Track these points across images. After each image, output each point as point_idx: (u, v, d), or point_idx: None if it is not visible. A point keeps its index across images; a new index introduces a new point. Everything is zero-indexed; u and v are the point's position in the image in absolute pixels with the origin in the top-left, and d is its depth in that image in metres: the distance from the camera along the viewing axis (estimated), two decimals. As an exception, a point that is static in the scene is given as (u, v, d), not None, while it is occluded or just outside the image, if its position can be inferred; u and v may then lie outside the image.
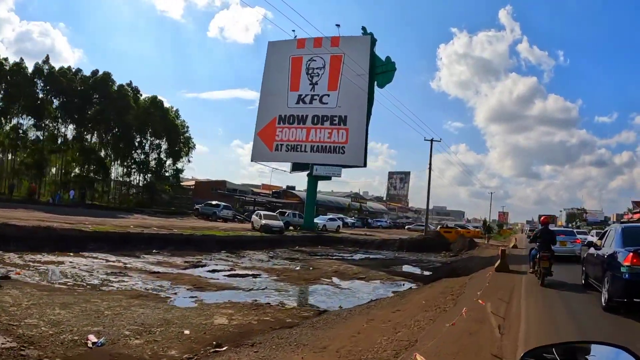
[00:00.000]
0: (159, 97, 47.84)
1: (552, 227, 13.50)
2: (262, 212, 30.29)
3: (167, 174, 50.23)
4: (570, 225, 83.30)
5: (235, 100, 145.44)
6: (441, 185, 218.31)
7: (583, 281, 10.23)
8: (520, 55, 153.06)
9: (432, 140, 34.78)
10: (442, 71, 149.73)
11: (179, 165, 50.18)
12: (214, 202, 39.14)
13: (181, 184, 64.45)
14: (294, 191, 61.77)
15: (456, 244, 29.94)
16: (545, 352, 1.78)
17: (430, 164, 35.59)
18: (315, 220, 38.56)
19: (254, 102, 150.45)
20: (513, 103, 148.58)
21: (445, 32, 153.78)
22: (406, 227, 62.57)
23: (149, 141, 47.44)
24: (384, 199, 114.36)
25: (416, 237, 31.34)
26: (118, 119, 42.53)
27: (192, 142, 53.08)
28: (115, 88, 42.94)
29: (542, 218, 12.63)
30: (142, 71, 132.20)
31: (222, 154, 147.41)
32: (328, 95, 33.04)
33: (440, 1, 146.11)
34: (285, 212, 35.30)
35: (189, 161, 55.26)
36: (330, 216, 40.87)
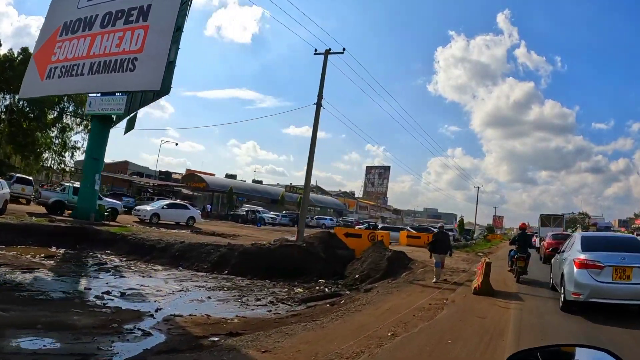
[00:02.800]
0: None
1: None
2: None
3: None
4: (570, 231, 70.96)
5: (233, 100, 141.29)
6: (437, 189, 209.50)
7: None
8: (518, 60, 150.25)
9: (327, 53, 18.94)
10: (439, 75, 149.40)
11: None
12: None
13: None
14: (202, 174, 46.57)
15: (360, 262, 14.75)
16: (530, 355, 1.77)
17: (321, 86, 18.87)
18: (145, 206, 23.56)
19: (253, 102, 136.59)
20: (510, 108, 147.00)
21: (443, 34, 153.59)
22: (356, 227, 47.63)
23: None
24: (361, 196, 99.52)
25: (273, 243, 16.06)
26: None
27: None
28: None
29: (520, 224, 13.53)
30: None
31: (218, 153, 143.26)
32: (134, -23, 17.99)
33: (438, 3, 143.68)
34: (64, 187, 20.72)
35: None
36: (168, 202, 24.76)
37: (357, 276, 13.64)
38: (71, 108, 38.14)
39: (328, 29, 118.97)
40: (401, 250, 16.59)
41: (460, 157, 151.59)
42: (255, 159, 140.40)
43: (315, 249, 15.50)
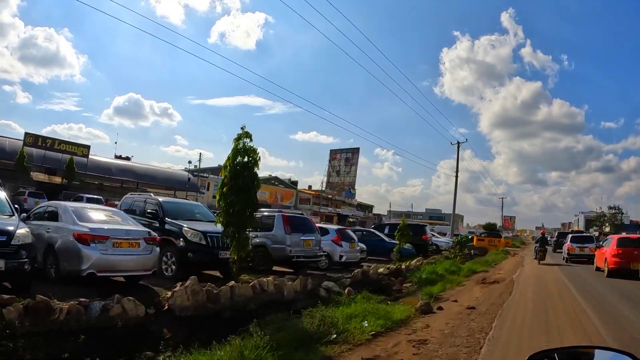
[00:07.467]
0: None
1: None
2: None
3: None
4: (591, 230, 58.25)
5: (242, 107, 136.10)
6: (448, 192, 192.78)
7: None
8: (524, 60, 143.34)
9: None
10: (445, 76, 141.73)
11: None
12: None
13: None
14: None
15: None
16: (549, 356, 1.77)
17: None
18: None
19: (261, 108, 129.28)
20: (517, 108, 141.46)
21: (447, 35, 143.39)
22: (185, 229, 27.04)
23: None
24: (324, 188, 78.96)
25: None
26: None
27: None
28: None
29: (542, 230, 27.66)
30: (148, 77, 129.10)
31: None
32: None
33: (440, 3, 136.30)
34: None
35: None
36: None
37: None
38: None
39: (330, 30, 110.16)
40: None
41: (469, 160, 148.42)
42: (265, 166, 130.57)
43: None
